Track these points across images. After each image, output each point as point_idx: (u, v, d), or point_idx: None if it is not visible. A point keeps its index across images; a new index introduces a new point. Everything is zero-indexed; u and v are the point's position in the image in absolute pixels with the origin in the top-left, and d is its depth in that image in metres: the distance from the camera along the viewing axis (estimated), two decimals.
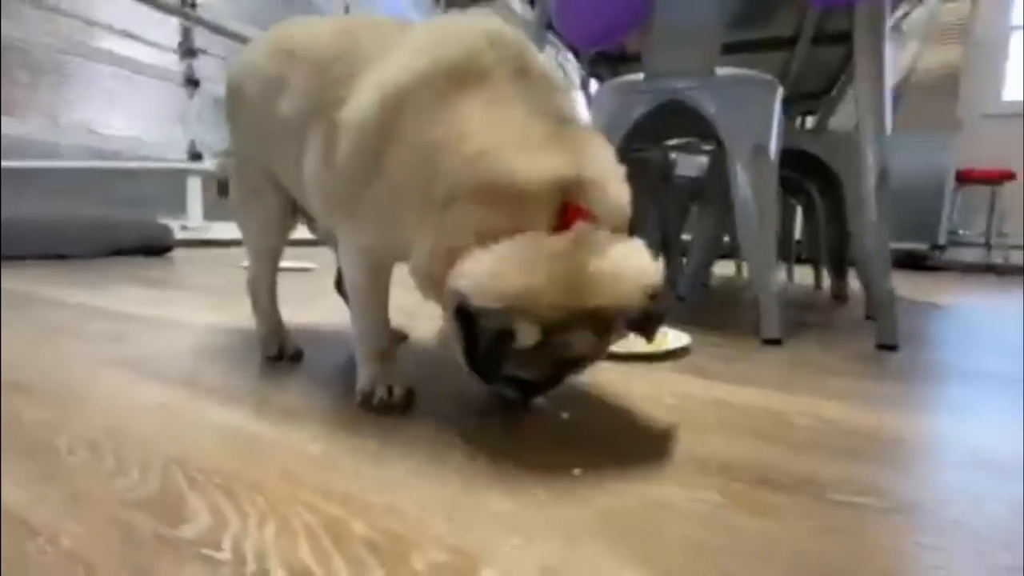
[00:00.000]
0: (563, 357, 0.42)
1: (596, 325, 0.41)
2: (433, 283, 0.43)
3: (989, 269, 3.68)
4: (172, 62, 3.00)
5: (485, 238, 0.40)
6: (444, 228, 0.42)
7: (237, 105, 0.63)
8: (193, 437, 0.43)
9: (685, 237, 2.07)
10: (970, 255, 3.83)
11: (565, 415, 0.51)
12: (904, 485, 0.40)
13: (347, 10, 4.03)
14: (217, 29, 3.17)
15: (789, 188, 2.11)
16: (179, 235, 2.64)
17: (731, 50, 1.48)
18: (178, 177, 3.07)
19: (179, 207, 3.09)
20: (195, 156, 3.12)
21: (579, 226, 0.40)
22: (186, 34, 3.04)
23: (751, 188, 0.96)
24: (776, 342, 0.92)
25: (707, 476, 0.40)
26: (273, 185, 0.63)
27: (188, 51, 3.05)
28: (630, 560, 0.29)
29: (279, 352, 0.67)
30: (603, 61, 1.43)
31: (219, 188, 0.76)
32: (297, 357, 0.67)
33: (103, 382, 0.56)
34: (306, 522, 0.31)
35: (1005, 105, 3.83)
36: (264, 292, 0.69)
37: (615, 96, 1.05)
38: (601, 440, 0.46)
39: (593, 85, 1.61)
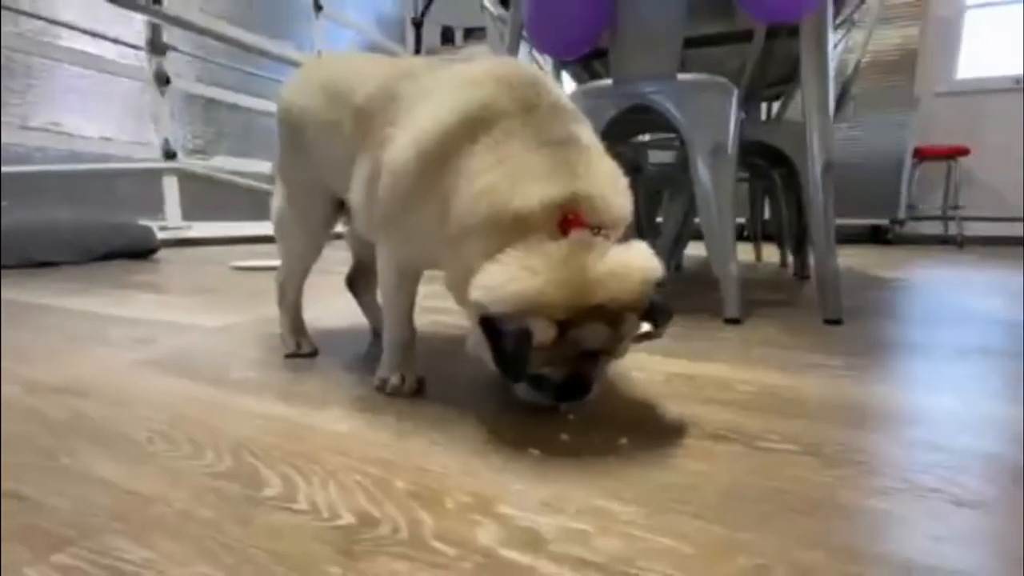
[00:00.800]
0: (582, 352, 0.47)
1: (606, 318, 0.45)
2: (461, 299, 0.51)
3: (947, 241, 3.90)
4: (141, 60, 2.96)
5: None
6: (460, 258, 0.49)
7: (292, 136, 0.70)
8: (242, 424, 0.51)
9: (659, 220, 2.19)
10: (929, 228, 4.05)
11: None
12: (817, 434, 0.51)
13: (318, 8, 4.00)
14: (185, 24, 3.14)
15: (756, 174, 2.23)
16: (159, 235, 2.65)
17: (693, 44, 1.57)
18: (153, 177, 3.06)
19: (156, 207, 3.08)
20: (169, 155, 3.11)
21: (576, 232, 0.46)
22: (154, 31, 3.00)
23: (711, 183, 1.06)
24: (736, 321, 1.04)
25: (664, 434, 0.50)
26: (322, 206, 0.71)
27: (157, 48, 3.02)
28: (605, 494, 0.39)
29: (297, 348, 0.75)
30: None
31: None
32: (313, 354, 0.76)
33: (146, 382, 0.64)
34: (358, 481, 0.40)
35: (959, 83, 4.02)
36: (292, 292, 0.78)
37: (586, 100, 1.14)
38: (581, 409, 0.56)
39: (565, 80, 1.70)
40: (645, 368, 0.72)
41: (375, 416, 0.54)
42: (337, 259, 0.96)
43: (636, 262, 0.47)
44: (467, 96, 0.51)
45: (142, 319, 1.01)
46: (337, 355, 0.78)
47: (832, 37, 1.21)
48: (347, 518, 0.35)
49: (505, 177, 0.47)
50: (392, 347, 0.63)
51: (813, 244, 1.13)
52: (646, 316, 0.48)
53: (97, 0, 2.69)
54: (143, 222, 2.82)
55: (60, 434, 0.49)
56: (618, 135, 1.48)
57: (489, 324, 0.45)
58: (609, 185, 0.50)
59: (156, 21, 2.99)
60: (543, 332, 0.44)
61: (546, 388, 0.50)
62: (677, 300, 1.30)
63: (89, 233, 2.18)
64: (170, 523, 0.35)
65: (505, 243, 0.46)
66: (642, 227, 2.07)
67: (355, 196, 0.61)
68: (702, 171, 1.06)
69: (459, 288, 0.50)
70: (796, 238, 1.92)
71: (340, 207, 0.72)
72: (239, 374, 0.67)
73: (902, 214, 3.82)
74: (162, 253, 2.51)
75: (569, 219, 0.46)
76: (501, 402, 0.60)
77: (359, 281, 0.89)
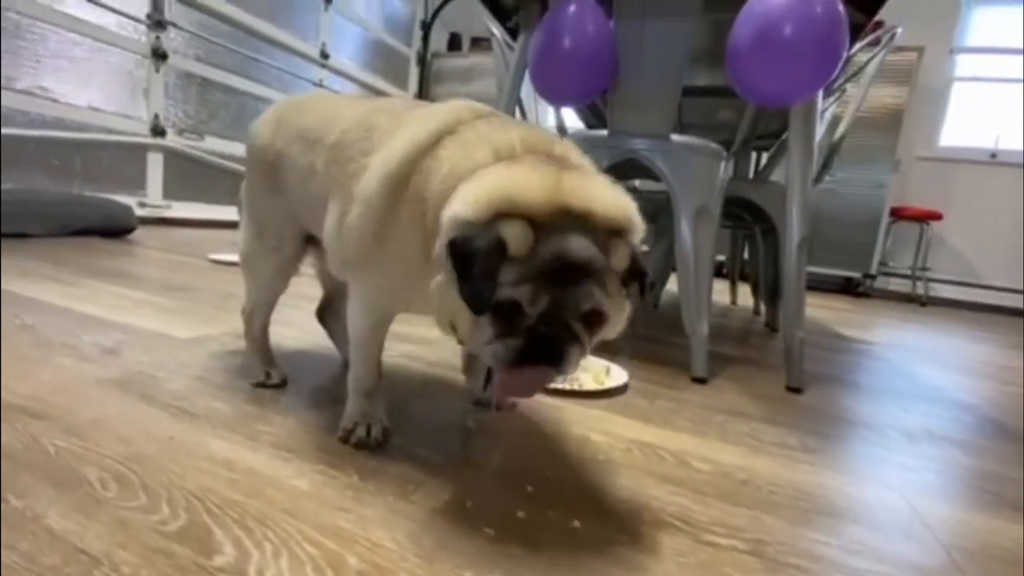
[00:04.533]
0: (562, 275, 0.41)
1: (591, 235, 0.42)
2: (454, 328, 0.47)
3: (913, 299, 4.05)
4: (140, 33, 2.90)
5: None
6: (449, 282, 0.45)
7: (266, 174, 0.70)
8: (201, 472, 0.51)
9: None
10: (897, 284, 4.20)
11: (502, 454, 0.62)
12: (763, 529, 0.53)
13: (327, 1, 3.97)
14: (190, 3, 3.09)
15: (739, 224, 2.29)
16: (137, 212, 2.60)
17: (689, 93, 1.62)
18: (139, 152, 3.00)
19: (137, 183, 3.02)
20: (158, 131, 3.05)
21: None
22: (156, 5, 2.95)
23: (692, 243, 1.09)
24: (702, 380, 1.07)
25: (617, 517, 0.52)
26: (293, 241, 0.72)
27: (157, 23, 2.96)
28: None
29: (265, 378, 0.75)
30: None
31: None
32: (282, 384, 0.75)
33: (108, 407, 0.63)
34: (310, 553, 0.40)
35: (940, 150, 4.20)
36: (259, 323, 0.77)
37: (580, 148, 1.16)
38: (538, 479, 0.58)
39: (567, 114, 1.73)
40: (608, 432, 0.73)
41: (337, 472, 0.54)
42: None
43: (617, 193, 0.46)
44: (436, 116, 0.54)
45: (113, 322, 0.99)
46: (307, 384, 0.78)
47: (820, 105, 1.25)
48: None
49: (507, 178, 0.44)
50: (358, 395, 0.62)
51: (783, 312, 1.17)
52: (628, 275, 0.44)
53: None
54: (123, 198, 2.76)
55: (16, 466, 0.48)
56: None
57: (458, 248, 0.41)
58: (601, 188, 0.46)
59: None
60: (518, 238, 0.40)
61: (516, 329, 0.42)
62: (649, 347, 1.33)
63: (66, 207, 2.12)
64: None
65: None
66: None
67: (328, 233, 0.59)
68: (685, 231, 1.09)
69: (453, 317, 0.46)
70: (771, 291, 1.98)
71: (309, 241, 0.73)
72: (205, 404, 0.67)
73: (874, 269, 3.96)
74: (139, 232, 2.46)
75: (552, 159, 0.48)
76: (464, 459, 0.61)
77: (328, 312, 0.89)
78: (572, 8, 0.98)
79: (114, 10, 2.74)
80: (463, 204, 0.43)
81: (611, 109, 1.13)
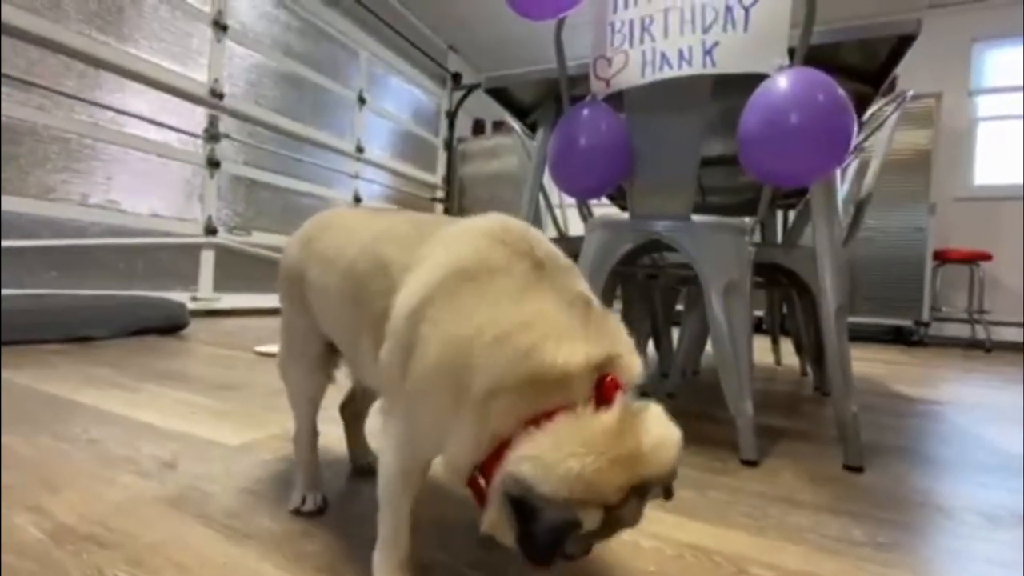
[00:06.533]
0: (614, 530, 0.44)
1: (640, 494, 0.43)
2: (469, 474, 0.46)
3: (974, 345, 3.80)
4: (197, 146, 3.23)
5: (530, 422, 0.42)
6: (487, 418, 0.44)
7: (289, 291, 0.73)
8: None
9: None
10: (953, 330, 3.97)
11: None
12: None
13: (361, 101, 4.36)
14: (241, 116, 3.44)
15: (774, 284, 2.26)
16: (190, 305, 2.77)
17: (709, 163, 1.66)
18: (193, 250, 3.24)
19: (191, 278, 3.24)
20: (210, 231, 3.30)
21: (620, 399, 0.44)
22: (212, 121, 3.30)
23: (725, 320, 1.09)
24: (753, 463, 1.02)
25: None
26: (317, 345, 0.72)
27: (212, 136, 3.30)
28: None
29: (301, 503, 0.72)
30: None
31: None
32: (319, 511, 0.72)
33: (168, 529, 0.65)
34: None
35: (977, 189, 4.10)
36: (304, 440, 0.76)
37: (604, 232, 1.20)
38: None
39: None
40: (657, 535, 0.71)
41: None
42: None
43: (671, 433, 0.45)
44: (461, 250, 0.50)
45: (169, 431, 1.04)
46: (359, 493, 0.79)
47: (840, 179, 1.27)
48: None
49: (550, 335, 0.44)
50: (384, 568, 0.54)
51: (832, 385, 1.12)
52: (667, 488, 0.46)
53: (166, 94, 3.00)
54: (177, 294, 2.95)
55: None
56: (633, 261, 1.54)
57: (522, 504, 0.40)
58: (628, 345, 0.49)
59: (218, 114, 3.29)
60: (592, 520, 0.40)
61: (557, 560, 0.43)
62: (691, 422, 1.28)
63: (125, 308, 2.29)
64: None
65: (544, 404, 0.43)
66: (659, 334, 2.09)
67: (371, 372, 0.58)
68: (716, 308, 1.09)
69: (473, 460, 0.45)
70: (815, 352, 1.91)
71: (336, 351, 0.72)
72: (255, 522, 0.69)
73: (926, 316, 3.77)
74: (192, 327, 2.61)
75: (608, 381, 0.44)
76: None
77: (350, 407, 0.88)
78: (585, 111, 1.05)
79: (176, 128, 3.07)
80: (543, 473, 0.40)
81: (631, 196, 1.17)
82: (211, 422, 1.11)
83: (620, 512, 0.42)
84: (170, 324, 2.41)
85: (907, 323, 3.82)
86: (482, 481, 0.45)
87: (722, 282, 1.09)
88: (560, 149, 1.08)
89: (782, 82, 0.89)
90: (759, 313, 2.93)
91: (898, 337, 3.93)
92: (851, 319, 3.64)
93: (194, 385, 1.44)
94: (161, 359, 1.78)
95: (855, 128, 0.84)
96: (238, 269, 3.51)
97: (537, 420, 0.42)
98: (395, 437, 0.53)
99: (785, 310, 2.49)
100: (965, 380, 2.31)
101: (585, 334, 0.45)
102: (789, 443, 1.18)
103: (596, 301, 0.51)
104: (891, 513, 0.83)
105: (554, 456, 0.40)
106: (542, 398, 0.43)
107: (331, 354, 0.74)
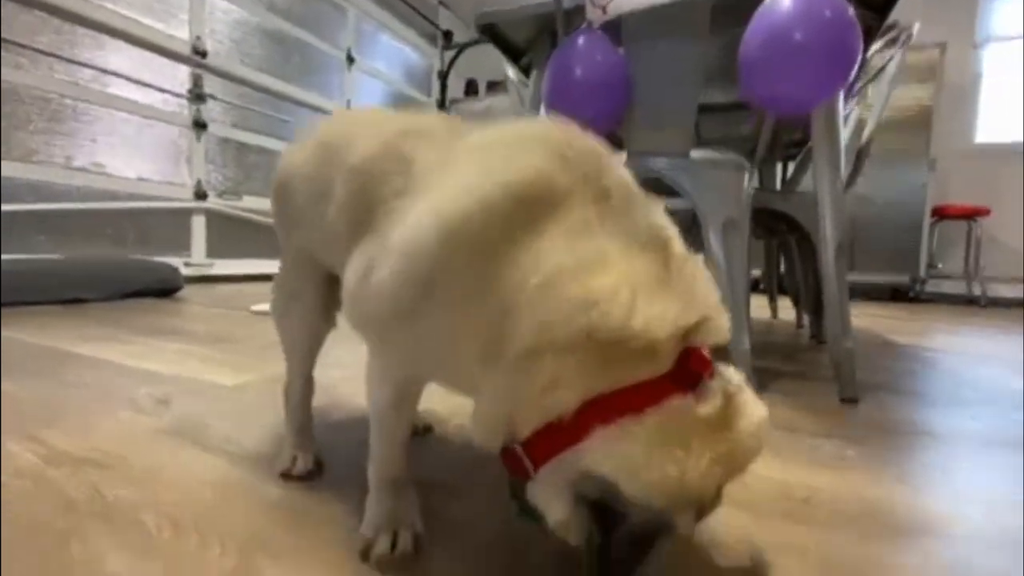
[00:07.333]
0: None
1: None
2: (506, 437, 0.38)
3: (970, 301, 3.82)
4: (182, 106, 3.14)
5: (600, 402, 0.34)
6: (533, 382, 0.35)
7: (282, 202, 0.62)
8: (255, 512, 0.52)
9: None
10: (951, 287, 3.98)
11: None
12: (829, 546, 0.50)
13: (350, 60, 4.23)
14: (225, 75, 3.33)
15: (771, 232, 2.24)
16: (183, 271, 2.75)
17: (707, 110, 1.62)
18: (183, 215, 3.19)
19: (183, 244, 3.20)
20: (200, 195, 3.24)
21: (717, 380, 0.36)
22: (196, 81, 3.19)
23: (723, 257, 1.07)
24: None
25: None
26: (313, 288, 0.63)
27: (198, 96, 3.20)
28: None
29: (291, 464, 0.61)
30: None
31: None
32: (308, 476, 0.61)
33: (163, 454, 0.65)
34: None
35: (978, 146, 4.05)
36: (295, 397, 0.67)
37: None
38: None
39: None
40: None
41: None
42: None
43: (762, 414, 0.38)
44: (520, 165, 0.38)
45: (165, 374, 1.03)
46: (360, 415, 0.79)
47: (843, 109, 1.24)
48: None
49: (624, 284, 0.35)
50: (381, 490, 0.49)
51: (828, 322, 1.12)
52: None
53: (148, 53, 2.90)
54: (170, 259, 2.93)
55: (76, 515, 0.50)
56: None
57: (604, 509, 0.34)
58: (716, 302, 0.39)
59: (202, 72, 3.19)
60: (687, 525, 0.35)
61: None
62: None
63: (117, 272, 2.26)
64: None
65: (616, 373, 0.34)
66: None
67: (346, 282, 0.46)
68: (715, 245, 1.08)
69: (497, 430, 0.38)
70: (813, 301, 1.91)
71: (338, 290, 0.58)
72: (254, 447, 0.69)
73: (923, 272, 3.77)
74: (185, 291, 2.59)
75: (697, 356, 0.36)
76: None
77: None
78: (580, 40, 1.01)
79: (159, 88, 2.98)
80: (628, 477, 0.33)
81: (628, 132, 1.14)
82: (207, 367, 1.10)
83: (705, 511, 0.36)
84: (163, 287, 2.39)
85: (904, 280, 3.83)
86: (525, 460, 0.37)
87: (720, 219, 1.08)
88: (555, 81, 1.05)
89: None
90: (756, 273, 2.93)
91: (895, 294, 3.94)
92: (847, 277, 3.63)
93: (189, 338, 1.43)
94: (155, 317, 1.77)
95: (860, 48, 0.81)
96: (231, 234, 3.47)
97: (612, 401, 0.34)
98: (386, 361, 0.47)
99: (783, 269, 2.49)
100: (959, 332, 2.33)
101: (668, 290, 0.36)
102: (786, 382, 1.19)
103: (679, 243, 0.40)
104: (885, 438, 0.83)
105: (647, 458, 0.33)
106: (615, 371, 0.34)
107: (333, 293, 0.63)
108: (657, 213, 0.41)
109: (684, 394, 0.34)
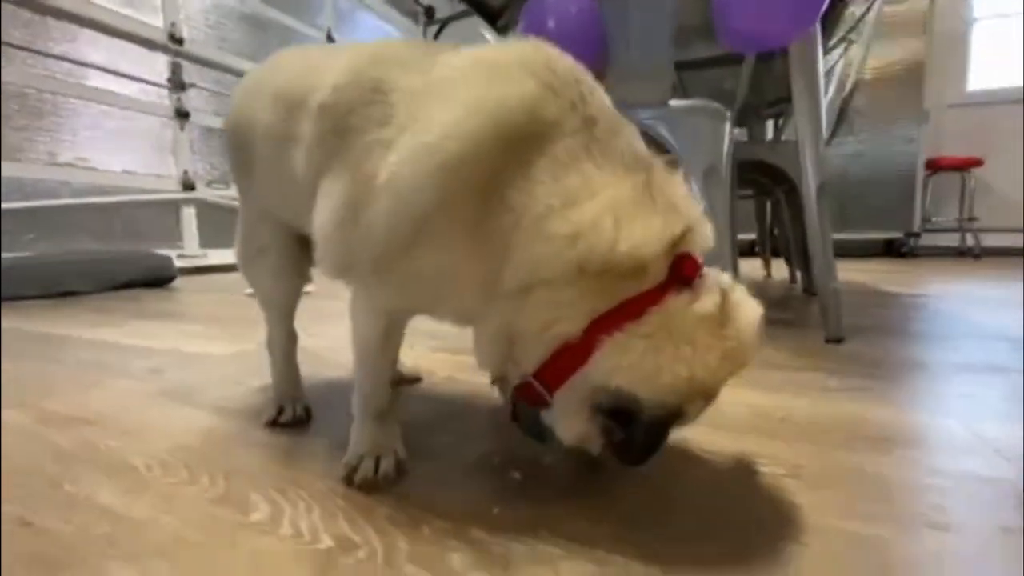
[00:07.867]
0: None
1: None
2: (510, 366, 0.41)
3: (964, 253, 3.83)
4: (162, 96, 3.10)
5: (605, 319, 0.36)
6: (531, 318, 0.38)
7: (235, 159, 0.59)
8: (241, 450, 0.53)
9: None
10: (945, 240, 3.98)
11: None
12: (799, 455, 0.51)
13: (329, 37, 4.16)
14: (204, 62, 3.29)
15: (761, 191, 2.24)
16: (177, 263, 2.74)
17: (688, 67, 1.61)
18: (172, 207, 3.18)
19: (174, 236, 3.19)
20: (188, 186, 3.22)
21: (710, 280, 0.39)
22: (175, 69, 3.15)
23: (706, 204, 1.07)
24: None
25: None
26: (282, 241, 0.61)
27: (178, 85, 3.16)
28: (581, 515, 0.40)
29: (277, 414, 0.62)
30: None
31: None
32: (295, 423, 0.61)
33: (153, 412, 0.66)
34: (341, 506, 0.41)
35: (971, 95, 4.00)
36: (280, 354, 0.66)
37: None
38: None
39: None
40: None
41: None
42: None
43: (757, 310, 0.40)
44: (509, 96, 0.38)
45: (157, 348, 1.04)
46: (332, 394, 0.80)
47: (823, 61, 1.23)
48: (327, 542, 0.37)
49: (606, 213, 0.36)
50: (365, 419, 0.49)
51: (812, 263, 1.13)
52: None
53: (123, 42, 2.85)
54: (162, 251, 2.92)
55: (67, 462, 0.51)
56: None
57: (621, 414, 0.37)
58: (698, 212, 0.41)
59: (180, 60, 3.14)
60: (697, 411, 0.38)
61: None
62: None
63: (110, 263, 2.26)
64: (162, 547, 0.36)
65: (617, 296, 0.36)
66: None
67: (321, 225, 0.45)
68: (696, 193, 1.08)
69: (497, 364, 0.41)
70: (803, 254, 1.91)
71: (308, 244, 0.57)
72: (244, 402, 0.70)
73: (917, 227, 3.77)
74: (179, 281, 2.59)
75: (689, 260, 0.38)
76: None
77: None
78: None
79: (138, 79, 2.94)
80: (640, 384, 0.36)
81: (608, 83, 1.13)
82: (200, 342, 1.11)
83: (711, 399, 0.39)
84: (156, 277, 2.39)
85: (897, 235, 3.83)
86: (540, 389, 0.39)
87: (701, 166, 1.07)
88: (528, 33, 1.03)
89: None
90: (751, 237, 2.92)
91: (888, 250, 3.95)
92: (841, 235, 3.63)
93: (183, 319, 1.44)
94: (149, 304, 1.78)
95: None
96: (222, 224, 3.45)
97: (615, 316, 0.36)
98: (373, 299, 0.47)
99: (776, 231, 2.49)
100: (950, 280, 2.34)
101: (654, 207, 0.37)
102: (773, 328, 1.20)
103: (657, 160, 0.41)
104: (869, 369, 0.85)
105: (655, 362, 0.35)
106: (612, 292, 0.36)
107: (303, 248, 0.61)
108: (636, 136, 0.43)
109: (683, 298, 0.37)
